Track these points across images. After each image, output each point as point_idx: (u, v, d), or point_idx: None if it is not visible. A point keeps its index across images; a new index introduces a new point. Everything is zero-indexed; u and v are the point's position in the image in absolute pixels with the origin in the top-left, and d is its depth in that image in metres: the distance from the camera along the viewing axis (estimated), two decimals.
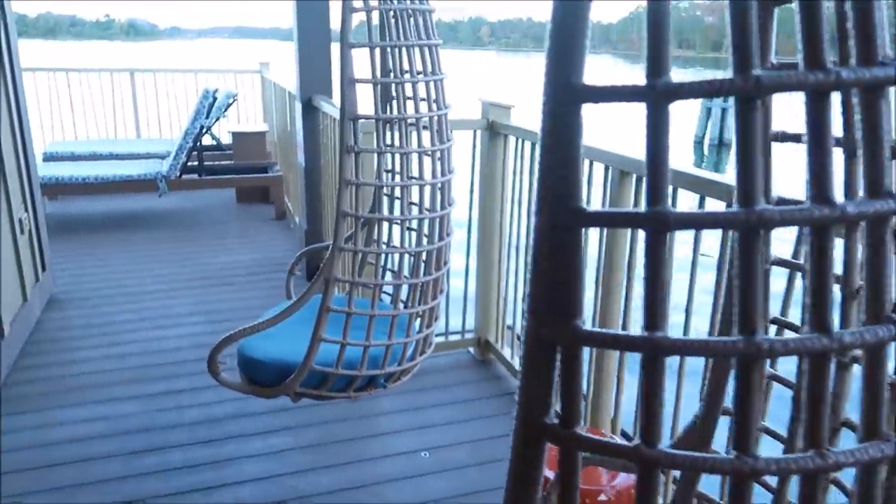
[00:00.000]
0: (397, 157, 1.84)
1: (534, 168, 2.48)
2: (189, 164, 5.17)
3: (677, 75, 0.44)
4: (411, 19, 1.71)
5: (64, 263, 4.14)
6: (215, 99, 5.06)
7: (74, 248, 4.44)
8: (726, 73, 0.43)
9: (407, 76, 1.77)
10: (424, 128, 1.79)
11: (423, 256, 1.87)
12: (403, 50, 1.73)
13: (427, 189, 1.83)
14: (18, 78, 3.40)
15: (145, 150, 5.96)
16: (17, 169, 3.29)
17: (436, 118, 1.79)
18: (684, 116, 25.81)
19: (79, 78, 6.36)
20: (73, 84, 6.32)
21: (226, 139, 6.33)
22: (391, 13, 1.72)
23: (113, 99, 6.47)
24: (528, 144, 2.57)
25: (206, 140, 5.62)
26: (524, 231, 2.65)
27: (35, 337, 3.18)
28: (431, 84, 1.76)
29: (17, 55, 3.39)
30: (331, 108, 3.45)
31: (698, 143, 20.00)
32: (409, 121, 1.74)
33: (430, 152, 1.80)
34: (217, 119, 5.23)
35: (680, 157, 18.15)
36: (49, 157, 5.65)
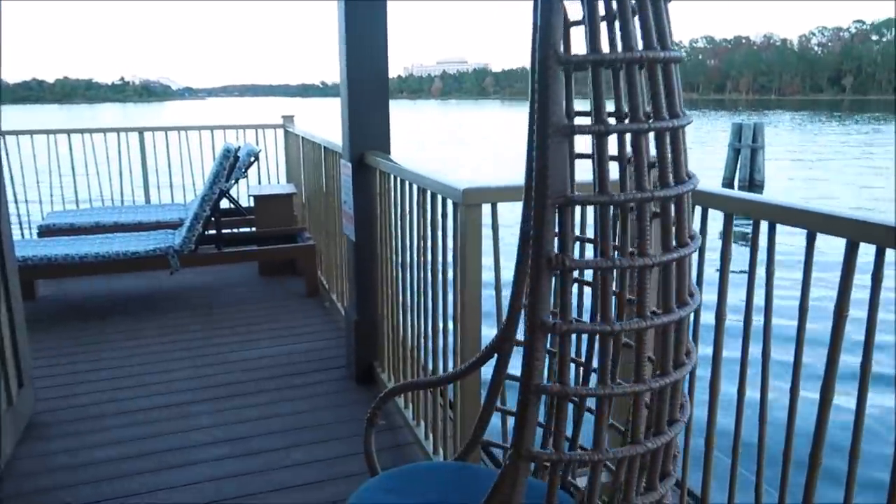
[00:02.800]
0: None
1: None
2: (205, 233, 4.40)
3: None
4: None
5: (52, 368, 3.31)
6: (237, 158, 4.31)
7: (68, 345, 3.62)
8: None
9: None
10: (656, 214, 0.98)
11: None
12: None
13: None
14: None
15: (155, 217, 5.20)
16: None
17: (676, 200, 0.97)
18: (712, 158, 25.23)
19: (82, 139, 5.66)
20: (76, 147, 5.62)
21: (244, 201, 5.58)
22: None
23: (119, 162, 5.75)
24: None
25: (223, 203, 4.85)
26: None
27: (4, 489, 2.33)
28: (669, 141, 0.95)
29: None
30: (391, 166, 2.66)
31: (727, 185, 19.21)
32: (648, 206, 0.93)
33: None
34: (237, 180, 4.47)
35: None
36: (45, 231, 4.89)
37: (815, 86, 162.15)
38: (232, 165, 4.27)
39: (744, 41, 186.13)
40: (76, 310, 4.23)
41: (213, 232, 4.52)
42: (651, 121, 0.86)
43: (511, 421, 1.79)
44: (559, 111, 0.82)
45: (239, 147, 4.33)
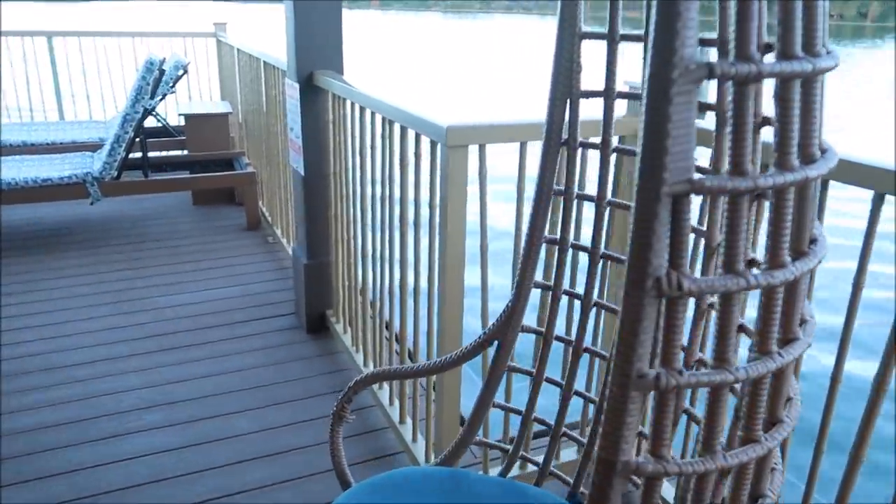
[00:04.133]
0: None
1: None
2: (129, 157, 3.90)
3: None
4: None
5: None
6: (162, 72, 3.78)
7: None
8: None
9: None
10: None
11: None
12: None
13: None
14: None
15: (70, 137, 4.61)
16: None
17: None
18: None
19: None
20: None
21: (173, 120, 5.03)
22: None
23: (26, 70, 5.05)
24: None
25: (149, 122, 4.31)
26: None
27: None
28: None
29: None
30: (346, 90, 2.28)
31: None
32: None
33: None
34: (164, 96, 3.94)
35: None
36: None
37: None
38: (157, 80, 3.74)
39: None
40: None
41: (138, 156, 4.02)
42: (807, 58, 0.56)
43: (514, 418, 1.50)
44: (692, 40, 0.50)
45: (164, 59, 3.78)
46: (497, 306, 1.31)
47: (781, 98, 0.57)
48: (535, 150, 1.27)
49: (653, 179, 0.53)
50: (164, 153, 4.80)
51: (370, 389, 2.35)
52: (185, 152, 4.74)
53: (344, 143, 2.42)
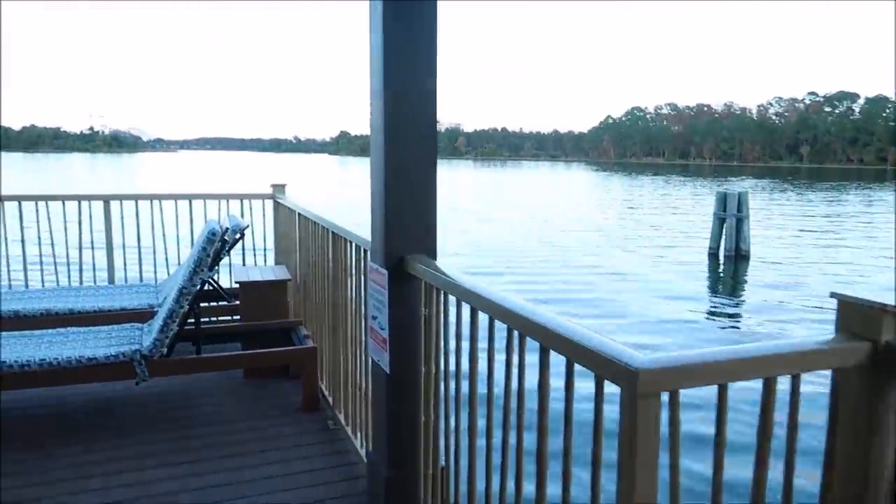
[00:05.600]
0: None
1: None
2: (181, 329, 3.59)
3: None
4: None
5: None
6: (224, 242, 3.56)
7: None
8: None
9: None
10: None
11: None
12: None
13: None
14: None
15: (119, 304, 4.37)
16: None
17: None
18: (693, 226, 25.05)
19: (36, 207, 4.85)
20: (28, 215, 4.81)
21: (225, 279, 4.80)
22: None
23: (80, 234, 4.94)
24: None
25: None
26: None
27: None
28: None
29: None
30: (448, 282, 1.95)
31: (712, 255, 18.90)
32: None
33: None
34: (219, 261, 3.71)
35: (693, 271, 17.04)
36: None
37: (773, 153, 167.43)
38: (218, 251, 3.52)
39: (706, 108, 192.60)
40: (9, 430, 3.36)
41: (192, 327, 3.72)
42: None
43: None
44: None
45: (227, 230, 3.58)
46: None
47: None
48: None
49: None
50: (215, 320, 4.52)
51: None
52: (238, 318, 4.45)
53: (443, 341, 2.06)
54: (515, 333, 1.60)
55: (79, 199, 4.96)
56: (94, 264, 5.04)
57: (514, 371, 1.62)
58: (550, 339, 1.44)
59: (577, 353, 1.32)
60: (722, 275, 17.28)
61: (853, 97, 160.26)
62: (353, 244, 2.96)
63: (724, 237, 18.79)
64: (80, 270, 5.05)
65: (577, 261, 17.53)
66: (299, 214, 4.29)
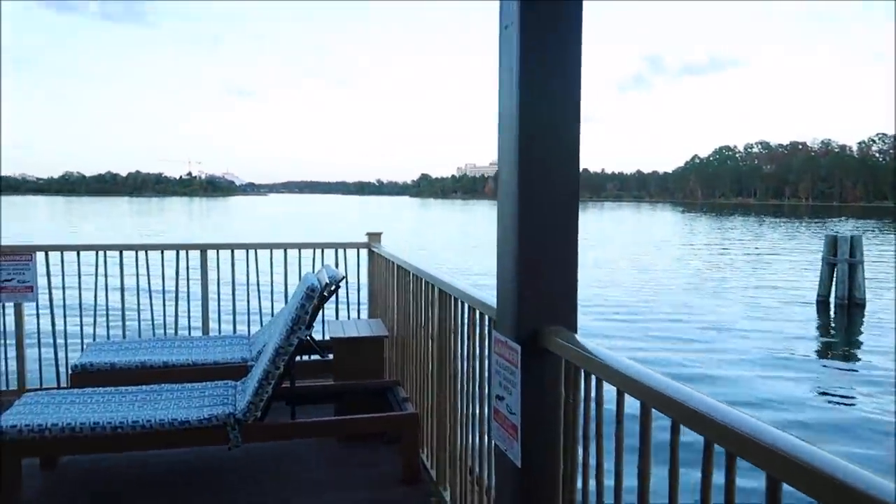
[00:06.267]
0: None
1: None
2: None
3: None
4: None
5: None
6: (323, 298, 3.33)
7: None
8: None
9: None
10: None
11: None
12: None
13: None
14: None
15: (213, 357, 4.21)
16: None
17: None
18: (799, 273, 23.46)
19: (135, 256, 4.83)
20: (128, 262, 4.78)
21: (318, 331, 4.58)
22: None
23: (176, 283, 4.87)
24: None
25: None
26: None
27: None
28: None
29: None
30: (597, 363, 1.58)
31: (822, 302, 17.52)
32: None
33: None
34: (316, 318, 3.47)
35: (800, 321, 15.64)
36: (78, 374, 3.95)
37: (878, 192, 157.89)
38: (317, 308, 3.29)
39: (800, 147, 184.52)
40: (97, 492, 3.18)
41: (287, 386, 3.48)
42: None
43: None
44: None
45: (327, 285, 3.35)
46: None
47: None
48: None
49: None
50: (308, 380, 4.29)
51: None
52: (331, 376, 4.21)
53: (583, 430, 1.69)
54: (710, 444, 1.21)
55: (177, 248, 4.90)
56: (188, 313, 4.95)
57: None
58: (776, 464, 1.05)
59: (819, 485, 0.93)
60: (834, 325, 15.95)
61: None
62: (466, 304, 2.65)
63: (834, 284, 17.43)
64: (176, 320, 4.96)
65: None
66: (398, 266, 4.03)
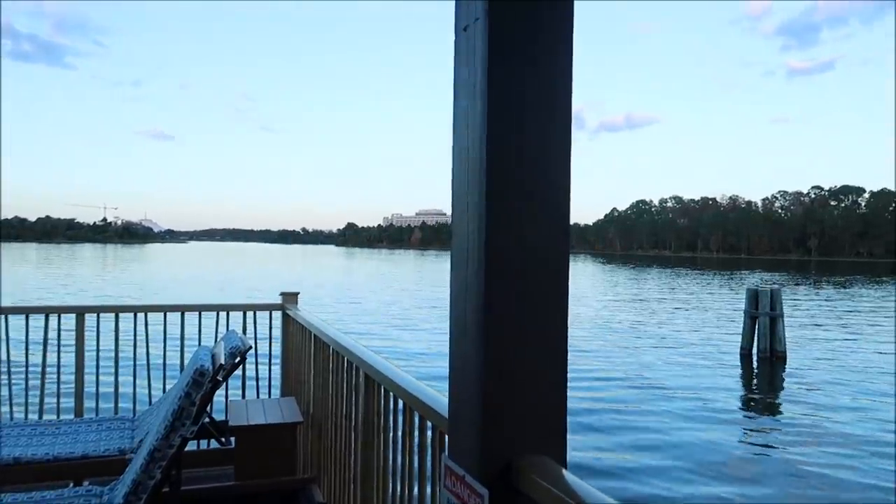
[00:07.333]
0: None
1: None
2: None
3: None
4: None
5: None
6: (217, 383, 2.62)
7: None
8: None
9: None
10: None
11: None
12: None
13: None
14: None
15: (82, 449, 3.37)
16: None
17: None
18: (720, 326, 23.84)
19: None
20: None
21: (217, 407, 3.81)
22: None
23: (44, 353, 4.01)
24: None
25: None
26: None
27: None
28: None
29: None
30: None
31: (744, 356, 17.72)
32: None
33: None
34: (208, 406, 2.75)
35: (725, 373, 15.70)
36: None
37: (782, 246, 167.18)
38: (208, 396, 2.57)
39: (710, 202, 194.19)
40: None
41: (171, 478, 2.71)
42: None
43: None
44: None
45: (220, 366, 2.63)
46: None
47: None
48: None
49: None
50: (203, 469, 3.51)
51: None
52: (233, 468, 3.44)
53: None
54: None
55: (46, 311, 4.05)
56: (58, 390, 4.07)
57: None
58: None
59: None
60: (756, 379, 16.04)
61: (858, 191, 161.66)
62: (401, 401, 2.02)
63: (756, 337, 17.68)
64: (41, 399, 4.07)
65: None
66: (314, 336, 3.36)
